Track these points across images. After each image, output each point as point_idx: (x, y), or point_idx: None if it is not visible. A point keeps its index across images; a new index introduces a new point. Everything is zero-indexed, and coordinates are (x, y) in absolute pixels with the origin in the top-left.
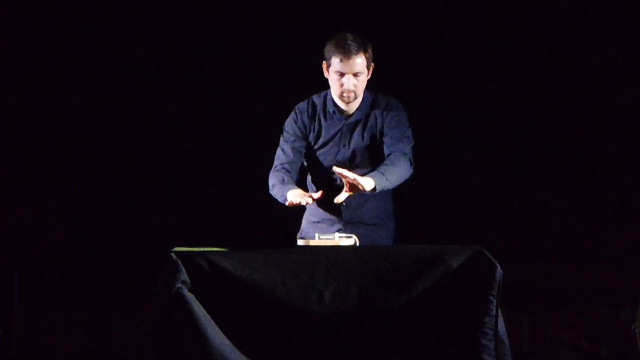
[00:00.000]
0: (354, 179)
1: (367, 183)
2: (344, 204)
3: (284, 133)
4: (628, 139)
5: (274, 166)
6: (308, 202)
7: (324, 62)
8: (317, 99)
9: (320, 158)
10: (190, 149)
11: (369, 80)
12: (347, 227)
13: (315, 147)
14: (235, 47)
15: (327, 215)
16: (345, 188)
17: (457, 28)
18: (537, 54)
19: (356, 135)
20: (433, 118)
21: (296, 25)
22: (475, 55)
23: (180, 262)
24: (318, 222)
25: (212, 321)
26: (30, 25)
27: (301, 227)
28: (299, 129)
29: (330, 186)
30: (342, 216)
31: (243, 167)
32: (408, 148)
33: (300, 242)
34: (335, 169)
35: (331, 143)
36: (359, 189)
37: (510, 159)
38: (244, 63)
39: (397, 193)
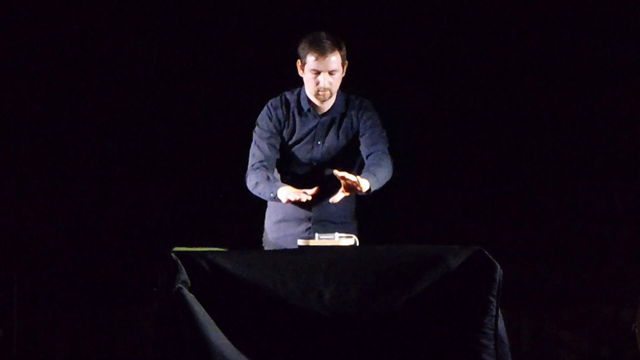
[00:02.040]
0: (356, 181)
1: (364, 185)
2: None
3: (258, 130)
4: (628, 139)
5: (251, 164)
6: (308, 199)
7: (298, 60)
8: (289, 96)
9: (293, 154)
10: (189, 149)
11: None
12: (316, 225)
13: (289, 144)
14: (232, 46)
15: (295, 214)
16: (342, 189)
17: (457, 27)
18: (537, 53)
19: (331, 133)
20: (433, 118)
21: (292, 23)
22: (476, 54)
23: (180, 262)
24: (284, 221)
25: (212, 321)
26: (30, 25)
27: (265, 228)
28: (273, 124)
29: (303, 182)
30: (311, 214)
31: (243, 167)
32: (386, 148)
33: (300, 242)
34: (336, 172)
35: (305, 140)
36: (356, 190)
37: (510, 158)
38: (244, 61)
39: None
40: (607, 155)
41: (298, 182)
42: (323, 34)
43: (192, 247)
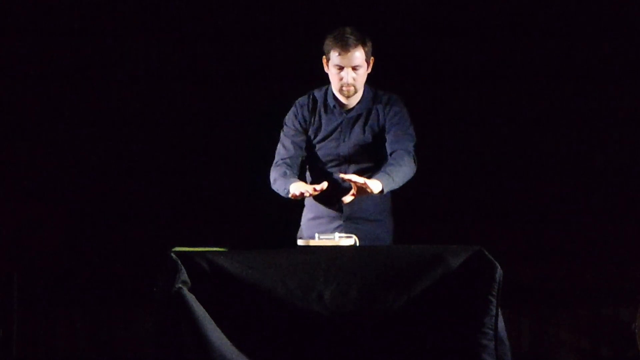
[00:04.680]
0: (364, 183)
1: (375, 186)
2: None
3: (284, 127)
4: (628, 139)
5: (275, 161)
6: (312, 194)
7: (324, 56)
8: (317, 93)
9: (320, 152)
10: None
11: (369, 75)
12: (348, 222)
13: (315, 141)
14: (234, 44)
15: (327, 212)
16: (352, 191)
17: (458, 26)
18: (537, 53)
19: (357, 129)
20: (433, 117)
21: (297, 21)
22: (476, 54)
23: (180, 262)
24: (317, 218)
25: (212, 321)
26: (30, 26)
27: (301, 225)
28: (299, 123)
29: (330, 180)
30: (342, 212)
31: (243, 167)
32: (411, 146)
33: (300, 242)
34: (343, 175)
35: (331, 137)
36: (367, 192)
37: (510, 158)
38: (243, 61)
39: (395, 190)
40: (607, 155)
41: (325, 179)
42: (348, 30)
43: (192, 247)
